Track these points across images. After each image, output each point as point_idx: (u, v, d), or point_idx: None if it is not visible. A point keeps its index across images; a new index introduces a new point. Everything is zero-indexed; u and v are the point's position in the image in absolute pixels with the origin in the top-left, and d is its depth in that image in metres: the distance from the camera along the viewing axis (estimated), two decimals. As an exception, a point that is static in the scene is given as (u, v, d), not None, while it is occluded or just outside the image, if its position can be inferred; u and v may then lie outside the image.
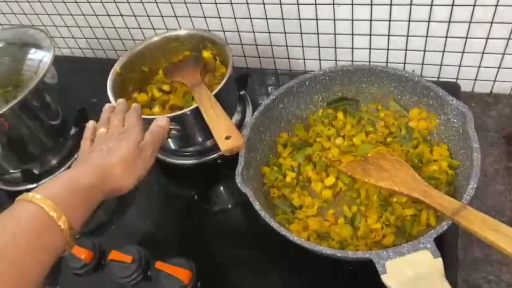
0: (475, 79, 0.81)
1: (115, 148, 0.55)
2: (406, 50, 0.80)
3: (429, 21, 0.74)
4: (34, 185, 0.83)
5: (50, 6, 1.02)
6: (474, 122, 0.59)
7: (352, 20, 0.79)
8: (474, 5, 0.69)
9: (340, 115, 0.74)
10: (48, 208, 0.44)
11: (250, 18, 0.86)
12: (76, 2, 0.98)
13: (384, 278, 0.48)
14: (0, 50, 0.85)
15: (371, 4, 0.75)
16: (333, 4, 0.77)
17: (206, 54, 0.82)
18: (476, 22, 0.71)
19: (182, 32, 0.82)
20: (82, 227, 0.48)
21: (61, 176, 0.50)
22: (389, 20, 0.76)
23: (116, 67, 0.78)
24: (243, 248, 0.68)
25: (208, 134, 0.64)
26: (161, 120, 0.62)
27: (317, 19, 0.81)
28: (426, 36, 0.77)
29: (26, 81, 0.79)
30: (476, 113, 0.75)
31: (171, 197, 0.80)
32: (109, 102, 0.69)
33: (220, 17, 0.89)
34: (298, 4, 0.80)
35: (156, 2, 0.91)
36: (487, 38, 0.73)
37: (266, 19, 0.85)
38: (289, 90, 0.72)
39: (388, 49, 0.82)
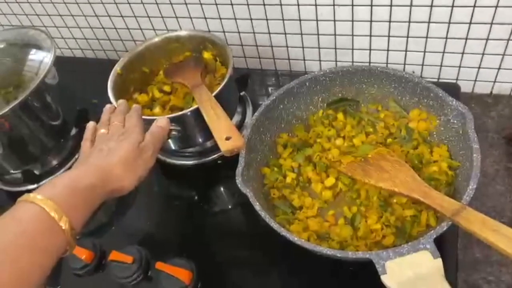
0: (475, 80, 0.81)
1: (115, 149, 0.55)
2: (406, 51, 0.80)
3: (429, 22, 0.74)
4: (35, 185, 0.83)
5: (51, 7, 1.02)
6: (474, 123, 0.59)
7: (352, 21, 0.79)
8: (474, 6, 0.69)
9: (340, 116, 0.74)
10: (49, 209, 0.44)
11: (251, 19, 0.86)
12: (77, 3, 0.98)
13: (384, 278, 0.48)
14: (1, 51, 0.85)
15: (371, 5, 0.75)
16: (333, 5, 0.77)
17: (206, 55, 0.82)
18: (476, 23, 0.72)
19: (182, 33, 0.82)
20: (82, 228, 0.48)
21: (62, 177, 0.50)
22: (389, 21, 0.76)
23: (117, 67, 0.78)
24: (243, 248, 0.68)
25: (208, 135, 0.64)
26: (161, 121, 0.62)
27: (317, 20, 0.81)
28: (426, 37, 0.77)
29: (27, 81, 0.79)
30: (476, 114, 0.75)
31: (171, 198, 0.80)
32: (110, 102, 0.69)
33: (220, 18, 0.89)
34: (298, 5, 0.80)
35: (156, 3, 0.91)
36: (487, 39, 0.73)
37: (267, 20, 0.85)
38: (289, 90, 0.72)
39: (388, 50, 0.82)
